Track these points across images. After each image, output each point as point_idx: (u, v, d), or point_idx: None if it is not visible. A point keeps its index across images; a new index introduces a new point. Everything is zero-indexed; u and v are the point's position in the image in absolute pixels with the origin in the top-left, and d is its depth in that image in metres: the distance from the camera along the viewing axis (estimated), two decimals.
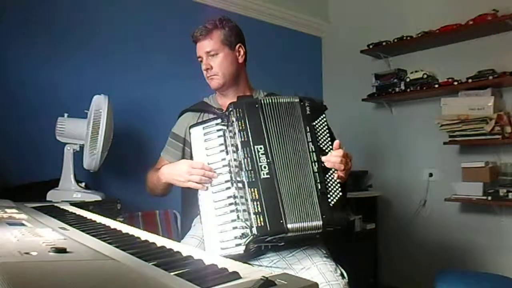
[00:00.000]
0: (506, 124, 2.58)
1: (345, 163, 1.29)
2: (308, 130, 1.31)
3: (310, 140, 1.30)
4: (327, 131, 1.35)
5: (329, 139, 1.33)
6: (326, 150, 1.31)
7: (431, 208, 3.05)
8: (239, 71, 1.58)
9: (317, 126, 1.34)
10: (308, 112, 1.34)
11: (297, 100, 1.36)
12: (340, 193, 1.26)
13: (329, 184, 1.27)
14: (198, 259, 0.67)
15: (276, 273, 0.56)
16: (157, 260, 0.65)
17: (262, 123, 1.30)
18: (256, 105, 1.33)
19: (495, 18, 2.63)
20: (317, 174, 1.26)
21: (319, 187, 1.24)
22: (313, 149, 1.29)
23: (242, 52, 1.58)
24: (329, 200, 1.24)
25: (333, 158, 1.28)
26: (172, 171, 1.40)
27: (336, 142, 1.31)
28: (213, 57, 1.53)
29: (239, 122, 1.29)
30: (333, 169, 1.29)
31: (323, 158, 1.29)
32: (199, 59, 1.58)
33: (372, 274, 3.16)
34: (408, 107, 3.22)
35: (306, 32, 3.62)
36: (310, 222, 1.20)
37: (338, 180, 1.28)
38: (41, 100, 2.16)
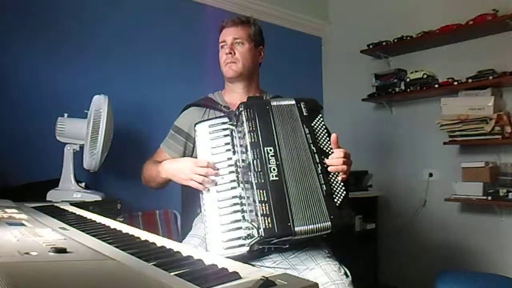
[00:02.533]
0: (506, 124, 2.58)
1: (347, 163, 1.29)
2: (308, 132, 1.31)
3: (311, 141, 1.30)
4: (325, 131, 1.35)
5: (328, 138, 1.33)
6: (327, 150, 1.31)
7: (431, 208, 3.05)
8: (255, 70, 1.62)
9: (315, 127, 1.34)
10: (305, 114, 1.34)
11: (293, 102, 1.36)
12: (344, 192, 1.26)
13: (333, 184, 1.27)
14: (198, 259, 0.67)
15: (277, 273, 0.56)
16: (157, 260, 0.65)
17: (272, 125, 1.30)
18: (267, 107, 1.33)
19: (495, 18, 2.62)
20: (321, 175, 1.25)
21: (324, 188, 1.24)
22: (315, 151, 1.28)
23: (262, 54, 1.64)
24: (335, 200, 1.24)
25: (335, 161, 1.28)
26: (174, 168, 1.40)
27: (334, 136, 1.31)
28: (239, 45, 1.56)
29: (250, 123, 1.29)
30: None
31: (327, 162, 1.28)
32: (222, 44, 1.59)
33: (373, 274, 3.16)
34: (408, 107, 3.22)
35: (306, 32, 3.62)
36: (318, 224, 1.19)
37: (341, 180, 1.28)
38: (41, 100, 2.16)
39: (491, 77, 2.63)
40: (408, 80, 3.06)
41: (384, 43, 3.15)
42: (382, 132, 3.38)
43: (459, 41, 2.89)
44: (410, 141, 3.19)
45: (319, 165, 1.27)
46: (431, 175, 3.06)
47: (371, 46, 3.22)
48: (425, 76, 2.97)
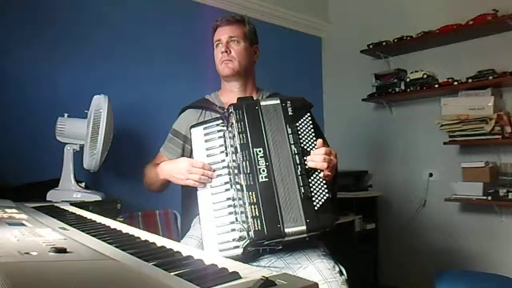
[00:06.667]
0: (506, 124, 2.58)
1: (329, 160, 1.25)
2: (290, 132, 1.28)
3: (293, 142, 1.27)
4: (311, 130, 1.31)
5: (314, 138, 1.29)
6: (311, 151, 1.28)
7: (431, 208, 3.05)
8: (251, 68, 1.61)
9: (300, 126, 1.31)
10: (290, 113, 1.31)
11: (277, 101, 1.34)
12: (326, 195, 1.23)
13: (314, 187, 1.23)
14: (198, 259, 0.67)
15: (276, 273, 0.56)
16: (157, 260, 0.65)
17: (262, 126, 1.29)
18: (256, 107, 1.32)
19: (495, 18, 2.63)
20: (300, 177, 1.23)
21: (302, 191, 1.21)
22: (296, 152, 1.25)
23: (257, 53, 1.63)
24: (314, 203, 1.21)
25: (315, 157, 1.25)
26: (171, 168, 1.40)
27: (319, 141, 1.28)
28: (234, 44, 1.55)
29: (239, 124, 1.28)
30: (318, 171, 1.25)
31: (308, 158, 1.25)
32: (217, 42, 1.58)
33: (373, 274, 3.16)
34: (408, 107, 3.22)
35: (306, 32, 3.62)
36: (294, 228, 1.18)
37: (323, 182, 1.24)
38: (41, 100, 2.16)
39: (491, 77, 2.63)
40: (408, 80, 3.06)
41: (384, 43, 3.15)
42: (382, 132, 3.37)
43: (459, 41, 2.89)
44: (410, 141, 3.19)
45: (299, 166, 1.24)
46: (431, 175, 3.06)
47: (371, 46, 3.22)
48: (425, 76, 2.97)
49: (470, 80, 2.71)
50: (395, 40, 3.10)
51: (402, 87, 3.09)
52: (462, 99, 2.77)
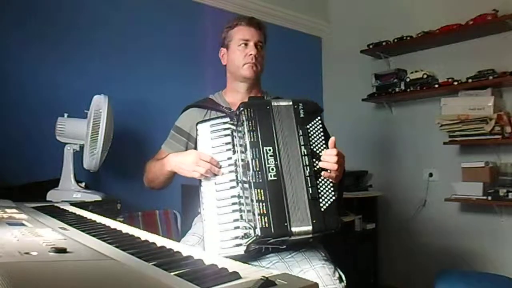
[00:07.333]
0: (506, 124, 2.58)
1: (340, 163, 1.26)
2: (301, 133, 1.29)
3: (303, 143, 1.28)
4: (321, 133, 1.32)
5: (323, 142, 1.31)
6: (320, 154, 1.29)
7: (431, 208, 3.05)
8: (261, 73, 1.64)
9: (311, 129, 1.32)
10: (301, 115, 1.32)
11: (290, 103, 1.35)
12: (333, 197, 1.24)
13: (321, 188, 1.25)
14: (198, 259, 0.67)
15: (276, 273, 0.56)
16: (157, 260, 0.65)
17: (272, 125, 1.30)
18: (268, 107, 1.33)
19: (495, 18, 2.63)
20: (308, 178, 1.24)
21: (310, 192, 1.22)
22: (305, 153, 1.27)
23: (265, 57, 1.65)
24: (321, 204, 1.22)
25: (327, 158, 1.26)
26: (179, 160, 1.39)
27: (332, 139, 1.29)
28: (259, 49, 1.58)
29: (250, 123, 1.28)
30: (326, 172, 1.26)
31: (322, 158, 1.26)
32: (244, 42, 1.56)
33: (372, 274, 3.16)
34: (408, 107, 3.22)
35: (306, 32, 3.62)
36: (305, 227, 1.19)
37: (331, 184, 1.26)
38: (41, 100, 2.16)
39: (491, 77, 2.63)
40: (408, 80, 3.06)
41: (384, 43, 3.15)
42: (382, 132, 3.38)
43: (459, 41, 2.89)
44: (410, 141, 3.19)
45: (307, 167, 1.25)
46: (431, 175, 3.06)
47: (371, 46, 3.23)
48: (425, 76, 2.97)
49: (470, 80, 2.71)
50: (395, 40, 3.10)
51: (402, 87, 3.09)
52: (462, 99, 2.77)
